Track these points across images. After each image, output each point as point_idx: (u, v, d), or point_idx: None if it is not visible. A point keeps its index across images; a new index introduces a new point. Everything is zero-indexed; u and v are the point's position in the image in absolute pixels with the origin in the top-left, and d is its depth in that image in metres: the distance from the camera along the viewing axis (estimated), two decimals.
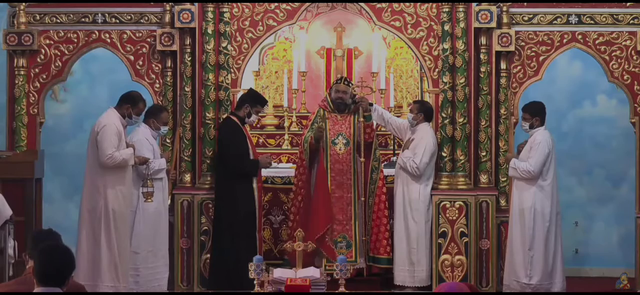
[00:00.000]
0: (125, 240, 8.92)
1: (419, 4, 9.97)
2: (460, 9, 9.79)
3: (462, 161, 9.86)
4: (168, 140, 9.91)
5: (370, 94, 10.69)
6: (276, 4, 10.02)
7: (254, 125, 10.81)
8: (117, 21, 10.09)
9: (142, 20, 10.10)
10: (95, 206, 8.83)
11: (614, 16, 10.01)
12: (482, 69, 9.90)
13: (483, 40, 9.89)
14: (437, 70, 9.94)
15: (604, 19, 10.01)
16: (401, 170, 9.79)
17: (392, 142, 10.99)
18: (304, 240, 7.52)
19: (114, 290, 8.80)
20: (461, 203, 9.76)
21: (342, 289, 7.20)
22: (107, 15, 10.09)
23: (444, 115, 9.85)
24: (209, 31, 9.84)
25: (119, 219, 8.85)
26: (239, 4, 9.99)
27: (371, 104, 10.09)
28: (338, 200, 9.90)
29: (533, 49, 10.06)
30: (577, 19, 10.03)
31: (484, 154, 9.94)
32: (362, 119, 9.89)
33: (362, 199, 9.92)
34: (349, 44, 11.40)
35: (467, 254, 9.74)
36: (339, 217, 9.89)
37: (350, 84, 10.14)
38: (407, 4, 9.99)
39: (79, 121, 11.49)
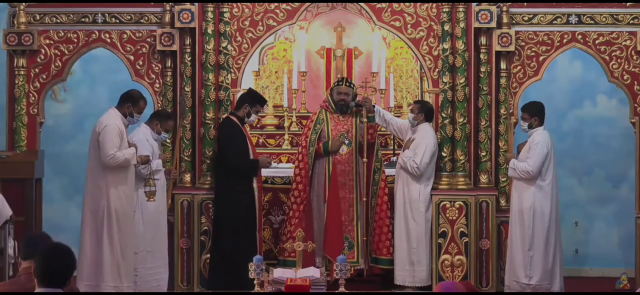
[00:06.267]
0: (128, 240, 8.91)
1: (419, 4, 9.97)
2: (460, 9, 9.79)
3: (462, 161, 9.86)
4: (168, 141, 9.91)
5: (373, 94, 10.69)
6: (276, 4, 10.02)
7: (254, 125, 10.81)
8: (117, 21, 10.09)
9: (142, 20, 10.10)
10: (98, 207, 8.81)
11: (614, 16, 10.01)
12: (482, 69, 9.90)
13: (483, 40, 9.90)
14: (437, 70, 9.94)
15: (604, 19, 10.01)
16: (402, 170, 9.79)
17: (392, 142, 10.99)
18: (304, 240, 7.52)
19: (116, 291, 8.79)
20: (461, 203, 9.76)
21: (342, 289, 7.20)
22: (107, 15, 10.09)
23: (444, 115, 9.86)
24: (209, 31, 9.84)
25: (121, 219, 8.84)
26: (239, 4, 9.99)
27: (374, 105, 10.08)
28: (341, 201, 9.89)
29: (533, 49, 10.07)
30: (577, 19, 10.04)
31: (484, 154, 9.94)
32: (365, 120, 9.87)
33: (364, 199, 9.91)
34: (349, 44, 11.40)
35: (467, 254, 9.74)
36: (341, 218, 9.89)
37: (352, 85, 10.13)
38: (407, 4, 9.99)
39: (79, 121, 11.49)
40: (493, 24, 9.85)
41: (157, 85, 10.08)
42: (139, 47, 10.11)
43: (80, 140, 11.16)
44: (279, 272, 7.44)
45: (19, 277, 5.69)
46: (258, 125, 11.13)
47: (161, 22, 10.02)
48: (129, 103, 8.96)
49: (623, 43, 10.02)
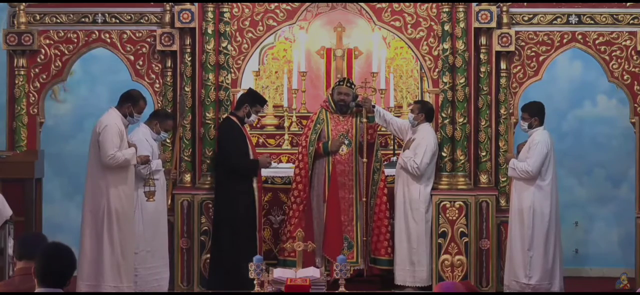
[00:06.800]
0: (128, 240, 8.90)
1: (419, 4, 9.97)
2: (460, 9, 9.79)
3: (462, 161, 9.86)
4: (168, 141, 9.91)
5: (373, 94, 10.68)
6: (276, 4, 10.02)
7: (254, 125, 10.81)
8: (117, 21, 10.09)
9: (142, 20, 10.10)
10: (98, 207, 8.80)
11: (614, 16, 10.01)
12: (482, 69, 9.90)
13: (483, 40, 9.89)
14: (437, 70, 9.94)
15: (604, 19, 10.01)
16: (402, 171, 9.79)
17: (392, 142, 11.00)
18: (304, 240, 7.52)
19: (116, 291, 8.79)
20: (461, 203, 9.76)
21: (342, 289, 7.20)
22: (107, 15, 10.09)
23: (444, 115, 9.86)
24: (209, 31, 9.84)
25: (122, 219, 8.83)
26: (239, 4, 9.99)
27: (374, 105, 10.08)
28: (340, 201, 9.88)
29: (533, 49, 10.07)
30: (577, 19, 10.04)
31: (484, 154, 9.94)
32: (365, 120, 9.87)
33: (364, 199, 9.91)
34: (349, 44, 11.40)
35: (467, 254, 9.74)
36: (341, 218, 9.88)
37: (353, 86, 10.12)
38: (407, 4, 9.99)
39: (79, 121, 11.49)
40: (493, 24, 9.85)
41: (157, 85, 10.08)
42: (139, 47, 10.11)
43: (80, 140, 11.16)
44: (279, 272, 7.43)
45: (13, 278, 5.68)
46: (258, 125, 11.13)
47: (161, 22, 10.02)
48: (129, 103, 8.95)
49: (623, 43, 10.02)
